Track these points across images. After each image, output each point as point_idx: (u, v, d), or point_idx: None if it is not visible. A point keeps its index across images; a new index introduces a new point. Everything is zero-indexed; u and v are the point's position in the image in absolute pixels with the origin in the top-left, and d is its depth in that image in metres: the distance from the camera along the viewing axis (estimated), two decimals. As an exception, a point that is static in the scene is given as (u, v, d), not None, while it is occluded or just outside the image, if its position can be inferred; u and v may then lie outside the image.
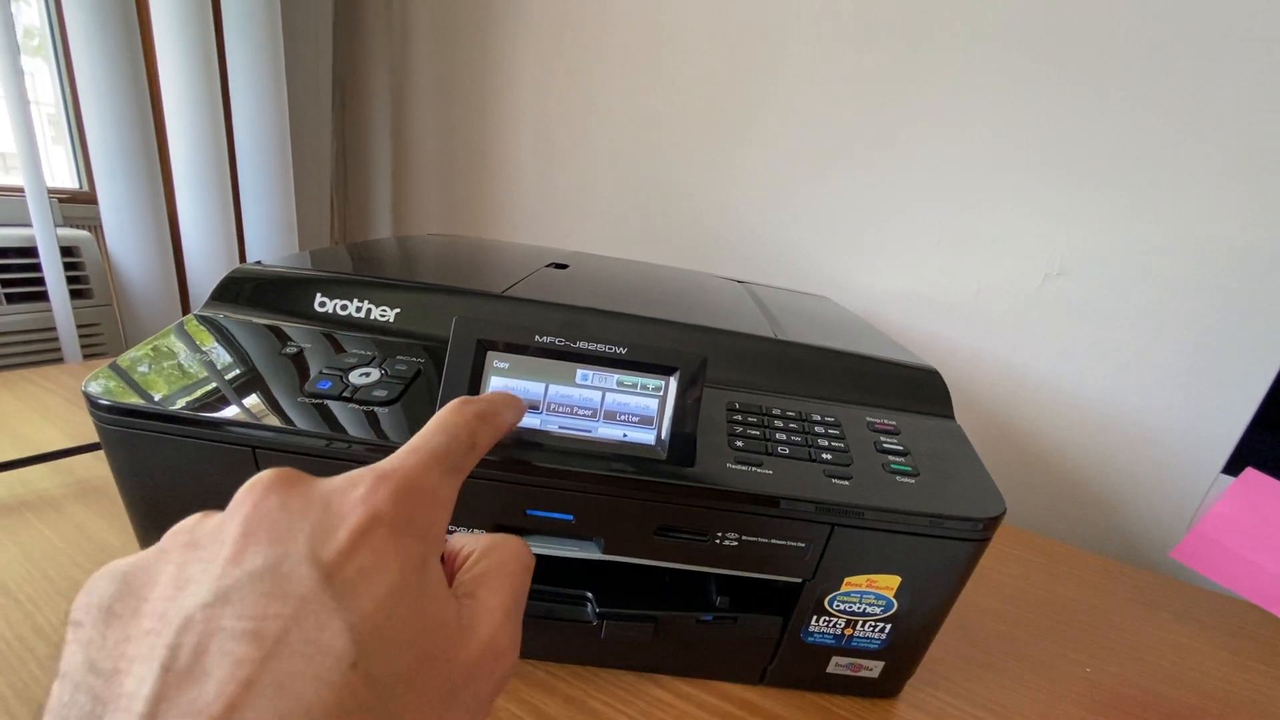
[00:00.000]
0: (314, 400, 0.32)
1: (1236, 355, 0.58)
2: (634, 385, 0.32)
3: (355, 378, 0.33)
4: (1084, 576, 0.56)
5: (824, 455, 0.33)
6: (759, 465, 0.32)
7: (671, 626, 0.36)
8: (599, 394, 0.32)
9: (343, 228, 1.30)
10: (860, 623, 0.35)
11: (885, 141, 0.73)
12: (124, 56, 0.86)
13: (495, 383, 0.31)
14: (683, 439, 0.31)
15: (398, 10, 1.13)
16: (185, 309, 1.01)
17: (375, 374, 0.33)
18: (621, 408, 0.32)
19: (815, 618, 0.35)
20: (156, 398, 0.31)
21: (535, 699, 0.35)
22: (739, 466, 0.32)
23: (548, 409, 0.31)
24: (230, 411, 0.31)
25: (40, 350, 0.88)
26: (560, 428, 0.31)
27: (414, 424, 0.31)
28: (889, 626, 0.35)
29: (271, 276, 0.39)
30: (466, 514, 0.32)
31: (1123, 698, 0.41)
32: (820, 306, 0.59)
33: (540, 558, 0.34)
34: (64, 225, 0.91)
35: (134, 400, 0.31)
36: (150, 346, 0.35)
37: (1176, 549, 0.47)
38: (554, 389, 0.31)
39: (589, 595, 0.36)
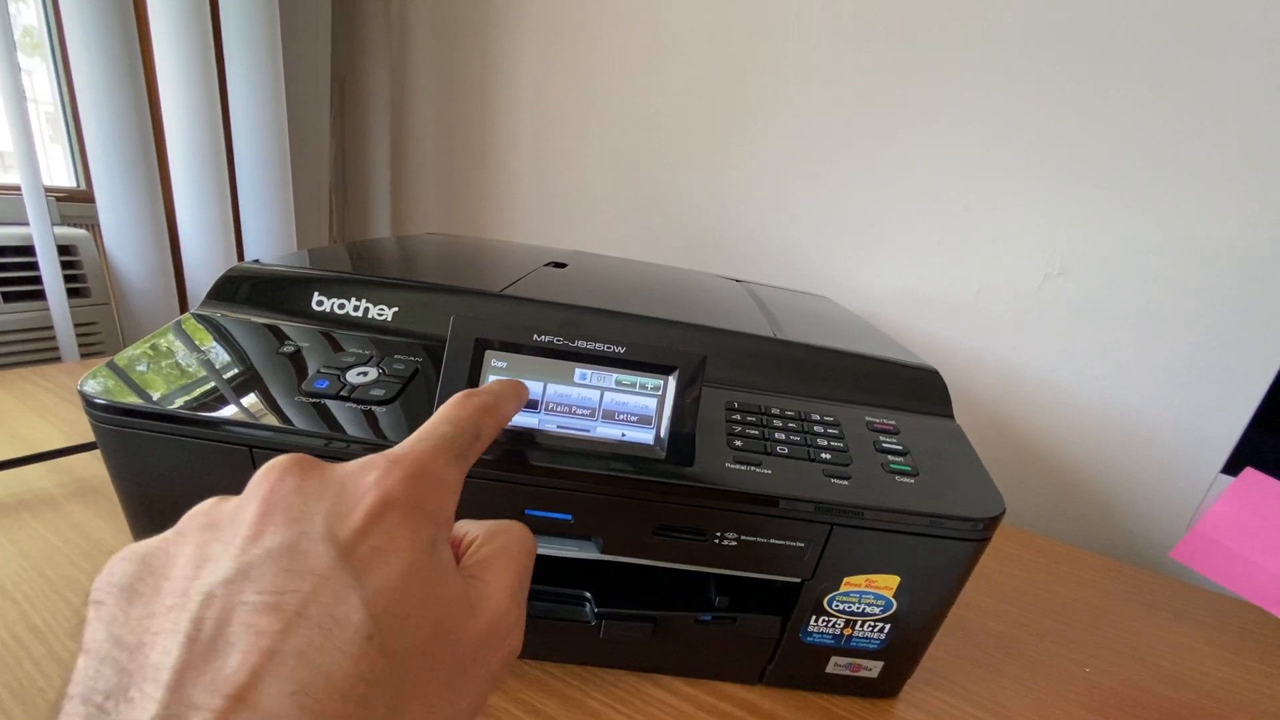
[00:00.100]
0: (311, 399, 0.31)
1: (1236, 355, 0.58)
2: (633, 384, 0.32)
3: (353, 377, 0.33)
4: (1084, 576, 0.56)
5: (823, 455, 0.33)
6: (758, 465, 0.32)
7: (670, 626, 0.36)
8: (597, 393, 0.31)
9: (341, 227, 1.30)
10: (859, 623, 0.35)
11: (885, 141, 0.73)
12: (122, 55, 0.85)
13: (493, 382, 0.31)
14: (682, 438, 0.31)
15: (397, 10, 1.12)
16: (183, 308, 1.01)
17: (373, 373, 0.33)
18: (620, 407, 0.31)
19: (814, 618, 0.35)
20: (153, 397, 0.31)
21: (534, 698, 0.35)
22: (738, 466, 0.32)
23: (546, 408, 0.31)
24: (227, 411, 0.31)
25: (37, 349, 0.88)
26: (559, 427, 0.31)
27: (412, 423, 0.31)
28: (888, 626, 0.35)
29: (269, 275, 0.39)
30: (465, 513, 0.32)
31: (1122, 698, 0.41)
32: (820, 306, 0.59)
33: (539, 557, 0.34)
34: (61, 224, 0.91)
35: (130, 399, 0.31)
36: (147, 345, 0.35)
37: (1176, 549, 0.47)
38: (552, 388, 0.31)
39: (588, 595, 0.36)
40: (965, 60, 0.67)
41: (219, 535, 0.16)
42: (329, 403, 0.31)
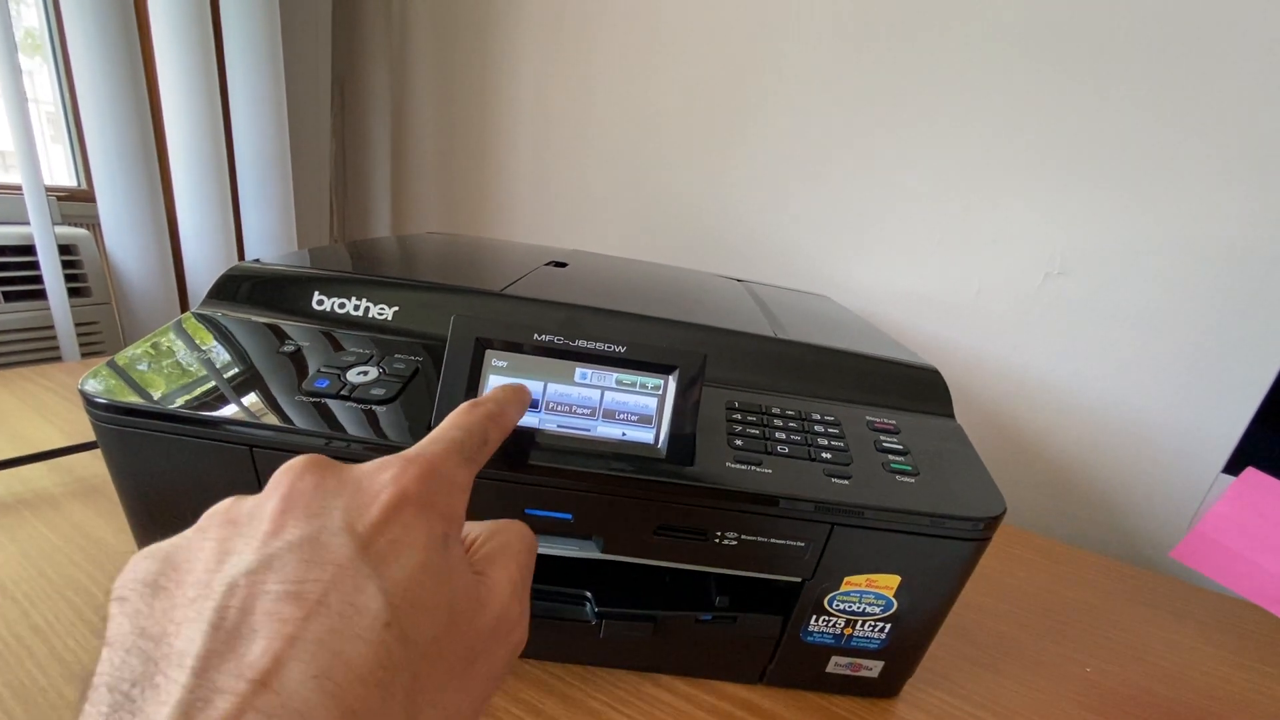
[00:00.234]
0: (312, 399, 0.31)
1: (1237, 354, 0.58)
2: (633, 384, 0.32)
3: (353, 376, 0.33)
4: (1084, 576, 0.56)
5: (824, 454, 0.33)
6: (758, 464, 0.32)
7: (671, 626, 0.36)
8: (598, 393, 0.31)
9: (341, 226, 1.30)
10: (860, 622, 0.35)
11: (885, 141, 0.73)
12: (123, 54, 0.85)
13: (494, 381, 0.31)
14: (682, 438, 0.31)
15: (397, 10, 1.12)
16: (184, 307, 1.01)
17: (373, 372, 0.33)
18: (620, 406, 0.31)
19: (815, 617, 0.35)
20: (154, 396, 0.31)
21: (534, 698, 0.35)
22: (738, 466, 0.32)
23: (546, 408, 0.31)
24: (227, 410, 0.31)
25: (38, 349, 0.88)
26: (559, 426, 0.31)
27: (412, 422, 0.31)
28: (889, 626, 0.35)
29: (270, 274, 0.39)
30: (468, 512, 0.32)
31: (1123, 697, 0.41)
32: (820, 306, 0.59)
33: (539, 557, 0.34)
34: (62, 223, 0.91)
35: (130, 399, 0.31)
36: (148, 345, 0.35)
37: (1177, 549, 0.46)
38: (553, 387, 0.31)
39: (588, 595, 0.36)
40: (965, 60, 0.67)
41: (240, 531, 0.16)
42: (329, 402, 0.31)
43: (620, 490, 0.31)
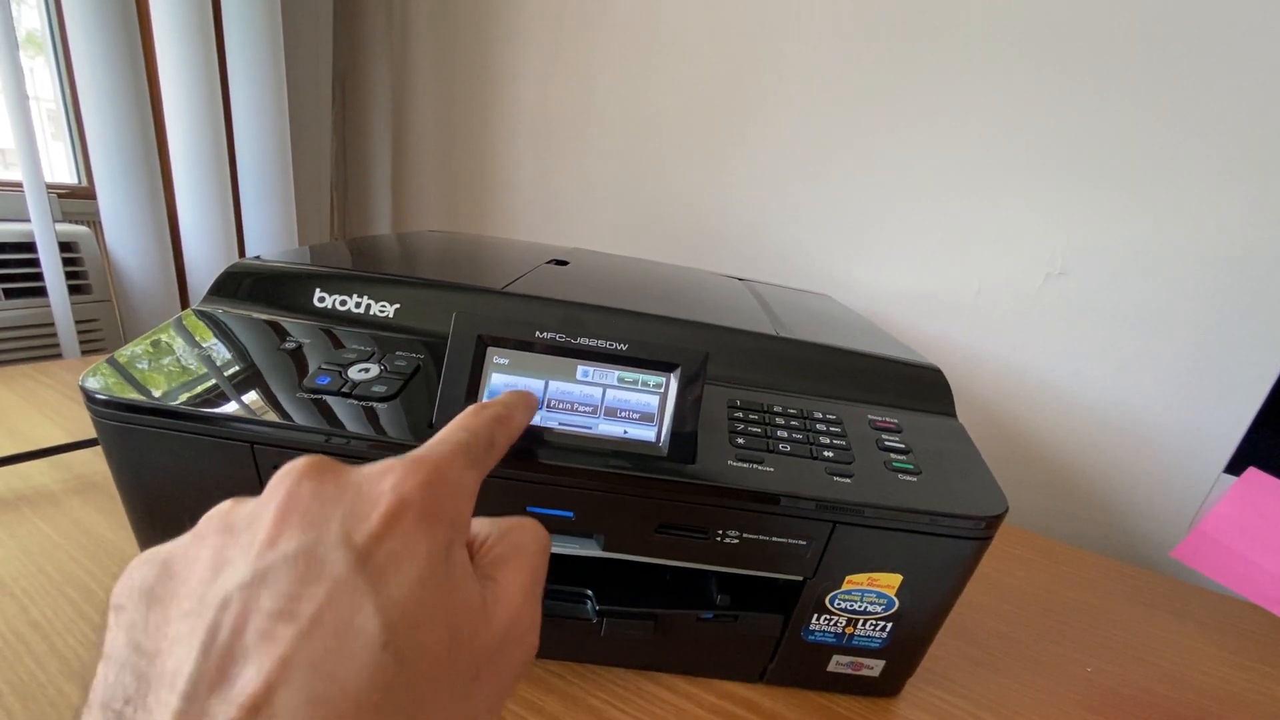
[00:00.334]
0: (313, 396, 0.31)
1: (1238, 355, 0.58)
2: (635, 382, 0.32)
3: (354, 373, 0.33)
4: (1085, 576, 0.56)
5: (825, 453, 0.33)
6: (760, 462, 0.32)
7: (671, 624, 0.36)
8: (599, 390, 0.31)
9: (342, 224, 1.29)
10: (861, 621, 0.35)
11: (886, 140, 0.73)
12: (124, 52, 0.85)
13: (496, 379, 0.31)
14: (684, 436, 0.31)
15: (398, 8, 1.12)
16: (184, 304, 1.01)
17: (374, 369, 0.33)
18: (622, 404, 0.31)
19: (816, 616, 0.35)
20: (154, 393, 0.31)
21: (534, 696, 0.35)
22: (740, 464, 0.31)
23: (548, 405, 0.31)
24: (229, 407, 0.31)
25: (39, 346, 0.88)
26: (560, 424, 0.31)
27: (413, 420, 0.31)
28: (890, 625, 0.35)
29: (271, 271, 0.39)
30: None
31: (1123, 697, 0.41)
32: (821, 305, 0.59)
33: (540, 555, 0.34)
34: (63, 221, 0.91)
35: (131, 395, 0.31)
36: (148, 342, 0.35)
37: (1178, 549, 0.46)
38: (554, 385, 0.31)
39: (589, 593, 0.36)
40: (966, 60, 0.67)
41: (236, 539, 0.16)
42: (330, 399, 0.31)
43: (621, 488, 0.31)
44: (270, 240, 1.05)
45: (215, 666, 0.13)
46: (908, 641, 0.36)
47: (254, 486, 0.32)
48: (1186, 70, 0.56)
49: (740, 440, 0.33)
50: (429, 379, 0.33)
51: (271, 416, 0.30)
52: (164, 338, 0.35)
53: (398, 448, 0.30)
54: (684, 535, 0.32)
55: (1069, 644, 0.46)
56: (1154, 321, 0.61)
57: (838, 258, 0.79)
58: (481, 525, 0.22)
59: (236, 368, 0.33)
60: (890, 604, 0.34)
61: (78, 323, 0.88)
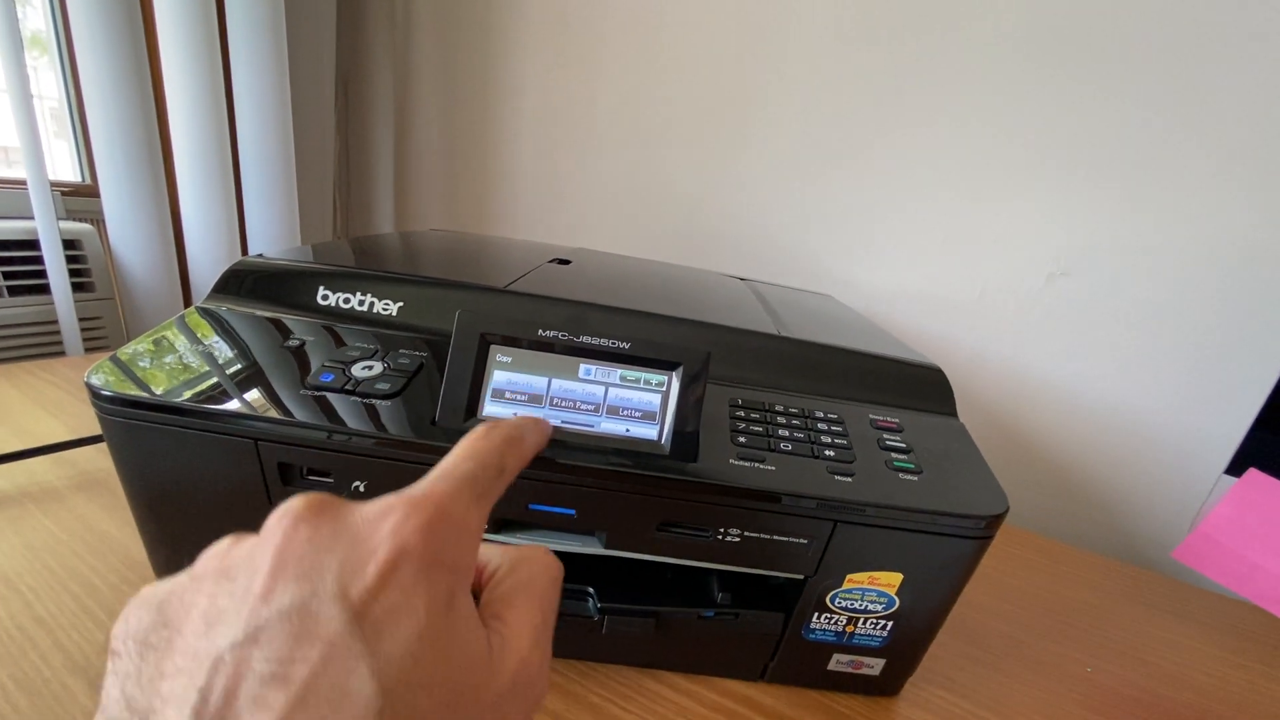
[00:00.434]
0: (316, 393, 0.31)
1: (1240, 356, 0.58)
2: (637, 380, 0.32)
3: (358, 371, 0.33)
4: (1086, 577, 0.56)
5: (827, 452, 0.33)
6: (761, 461, 0.32)
7: (673, 622, 0.36)
8: (602, 389, 0.31)
9: (345, 223, 1.30)
10: (862, 620, 0.35)
11: (888, 141, 0.73)
12: (128, 51, 0.85)
13: (498, 377, 0.31)
14: (685, 434, 0.31)
15: (401, 7, 1.12)
16: (187, 302, 1.01)
17: (378, 367, 0.33)
18: (624, 403, 0.31)
19: (817, 614, 0.35)
20: (159, 390, 0.31)
21: (536, 694, 0.35)
22: (742, 462, 0.32)
23: (550, 403, 0.31)
24: (233, 404, 0.31)
25: (42, 343, 0.88)
26: (563, 422, 0.31)
27: (416, 417, 0.31)
28: (890, 624, 0.35)
29: (274, 269, 0.39)
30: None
31: (1124, 698, 0.41)
32: (823, 304, 0.59)
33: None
34: (66, 218, 0.91)
35: (137, 392, 0.31)
36: (152, 339, 0.35)
37: (1178, 549, 0.46)
38: (557, 383, 0.31)
39: (590, 590, 0.36)
40: (968, 61, 0.67)
41: (232, 586, 0.15)
42: (333, 396, 0.31)
43: (623, 486, 0.31)
44: (273, 239, 1.05)
45: None
46: (908, 640, 0.36)
47: (257, 484, 0.32)
48: (1187, 71, 0.56)
49: (742, 439, 0.33)
50: (432, 377, 0.33)
51: (275, 413, 0.31)
52: (167, 335, 0.35)
53: (400, 445, 0.30)
54: (685, 533, 0.32)
55: (1069, 644, 0.46)
56: (1155, 322, 0.61)
57: (840, 257, 0.79)
58: (491, 554, 0.21)
59: (240, 365, 0.33)
60: (891, 603, 0.34)
61: (81, 320, 0.89)
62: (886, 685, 0.38)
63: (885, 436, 0.35)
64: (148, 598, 0.16)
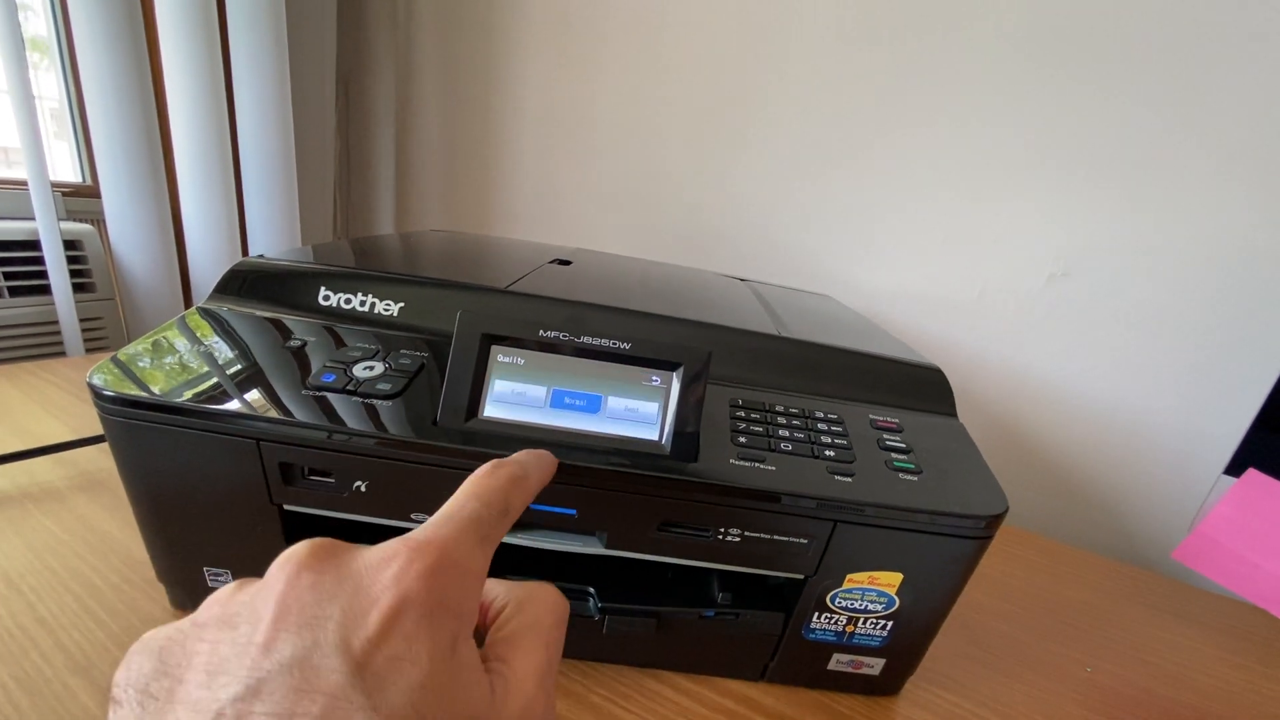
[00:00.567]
0: (317, 393, 0.32)
1: (1239, 356, 0.58)
2: (638, 381, 0.32)
3: (359, 371, 0.33)
4: (1085, 577, 0.56)
5: (827, 452, 0.33)
6: (762, 461, 0.32)
7: (673, 622, 0.36)
8: (603, 389, 0.32)
9: (345, 224, 1.30)
10: (862, 620, 0.35)
11: (888, 141, 0.73)
12: (129, 51, 0.86)
13: (499, 377, 0.31)
14: (686, 435, 0.31)
15: (402, 8, 1.13)
16: (188, 303, 1.02)
17: (379, 367, 0.33)
18: (625, 403, 0.32)
19: (817, 614, 0.35)
20: (160, 390, 0.31)
21: (536, 694, 0.35)
22: (742, 462, 0.32)
23: (551, 404, 0.31)
24: (234, 404, 0.31)
25: (43, 344, 0.88)
26: (563, 422, 0.31)
27: (417, 418, 0.31)
28: (890, 624, 0.35)
29: (275, 270, 0.39)
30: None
31: (1124, 698, 0.41)
32: (823, 305, 0.59)
33: (542, 552, 0.34)
34: (67, 219, 0.91)
35: (139, 392, 0.31)
36: (153, 340, 0.35)
37: (1178, 550, 0.46)
38: (558, 384, 0.31)
39: (591, 590, 0.36)
40: (968, 61, 0.67)
41: (234, 635, 0.15)
42: (334, 397, 0.31)
43: (624, 486, 0.31)
44: (273, 239, 1.05)
45: None
46: (908, 640, 0.36)
47: (258, 483, 0.32)
48: (1187, 71, 0.56)
49: (742, 439, 0.33)
50: (433, 377, 0.33)
51: (276, 413, 0.31)
52: (168, 336, 0.35)
53: (401, 445, 0.30)
54: (686, 533, 0.33)
55: (1069, 644, 0.46)
56: (1155, 322, 0.62)
57: (840, 258, 0.79)
58: (497, 591, 0.21)
59: (241, 365, 0.33)
60: (891, 603, 0.34)
61: (82, 321, 0.89)
62: (886, 685, 0.38)
63: (885, 437, 0.35)
64: (149, 643, 0.16)
